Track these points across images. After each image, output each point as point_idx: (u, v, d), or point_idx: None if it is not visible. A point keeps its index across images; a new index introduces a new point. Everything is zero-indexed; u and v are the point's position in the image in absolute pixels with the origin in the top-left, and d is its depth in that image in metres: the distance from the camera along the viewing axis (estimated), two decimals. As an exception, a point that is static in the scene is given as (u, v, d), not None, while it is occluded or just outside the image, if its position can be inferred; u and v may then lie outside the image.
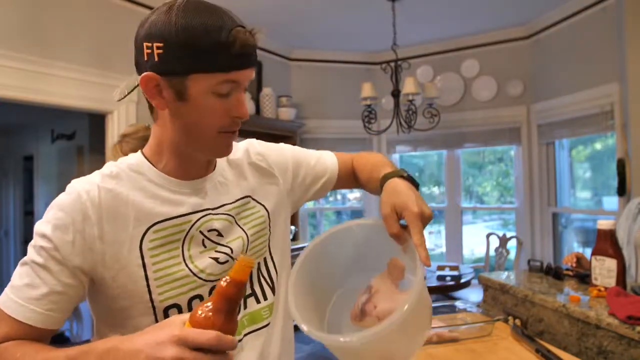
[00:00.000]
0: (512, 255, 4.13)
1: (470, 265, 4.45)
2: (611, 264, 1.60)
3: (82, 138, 4.53)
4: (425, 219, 0.75)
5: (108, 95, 3.12)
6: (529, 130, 4.26)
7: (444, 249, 4.90)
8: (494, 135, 4.48)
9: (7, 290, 0.72)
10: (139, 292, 0.74)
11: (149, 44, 0.70)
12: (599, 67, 3.41)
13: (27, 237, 5.51)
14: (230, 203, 0.86)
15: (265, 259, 0.90)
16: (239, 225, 0.85)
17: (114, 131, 3.18)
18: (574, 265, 1.93)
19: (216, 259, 0.80)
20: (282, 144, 1.03)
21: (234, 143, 0.88)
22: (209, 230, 0.81)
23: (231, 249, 0.82)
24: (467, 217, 5.12)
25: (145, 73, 0.71)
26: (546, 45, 4.02)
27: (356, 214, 5.77)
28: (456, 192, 4.75)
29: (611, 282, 1.59)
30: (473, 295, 3.83)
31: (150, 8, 3.23)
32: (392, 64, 3.68)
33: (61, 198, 0.75)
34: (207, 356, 0.57)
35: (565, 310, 1.52)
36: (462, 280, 3.28)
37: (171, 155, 0.80)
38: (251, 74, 0.76)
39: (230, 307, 0.60)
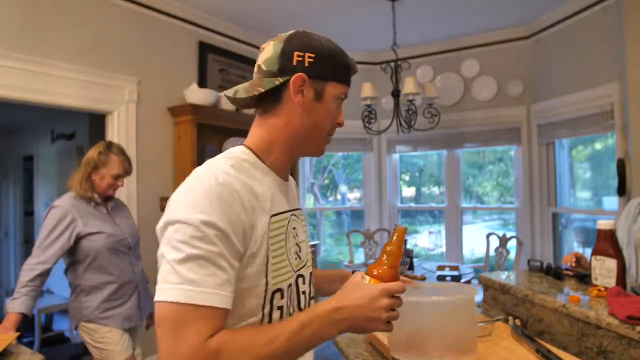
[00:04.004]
0: (512, 255, 4.12)
1: (470, 265, 4.45)
2: (611, 264, 1.60)
3: (82, 138, 4.52)
4: None
5: (108, 95, 3.13)
6: (529, 130, 4.26)
7: (444, 249, 4.90)
8: (494, 135, 4.48)
9: (181, 287, 0.71)
10: (260, 275, 0.81)
11: (301, 54, 0.86)
12: (599, 67, 3.41)
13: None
14: (296, 210, 0.99)
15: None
16: (303, 229, 1.00)
17: (114, 131, 3.18)
18: (574, 265, 1.93)
19: (296, 252, 0.93)
20: None
21: None
22: (293, 228, 0.93)
23: (300, 248, 0.95)
24: (467, 217, 5.11)
25: (298, 73, 0.86)
26: (546, 45, 4.02)
27: (356, 213, 5.77)
28: (456, 192, 4.75)
29: (611, 282, 1.59)
30: (473, 295, 3.83)
31: (150, 8, 3.27)
32: (392, 64, 3.68)
33: (216, 189, 0.76)
34: (399, 300, 0.83)
35: (565, 310, 1.51)
36: (462, 280, 3.28)
37: (281, 152, 0.91)
38: None
39: (397, 263, 0.86)
